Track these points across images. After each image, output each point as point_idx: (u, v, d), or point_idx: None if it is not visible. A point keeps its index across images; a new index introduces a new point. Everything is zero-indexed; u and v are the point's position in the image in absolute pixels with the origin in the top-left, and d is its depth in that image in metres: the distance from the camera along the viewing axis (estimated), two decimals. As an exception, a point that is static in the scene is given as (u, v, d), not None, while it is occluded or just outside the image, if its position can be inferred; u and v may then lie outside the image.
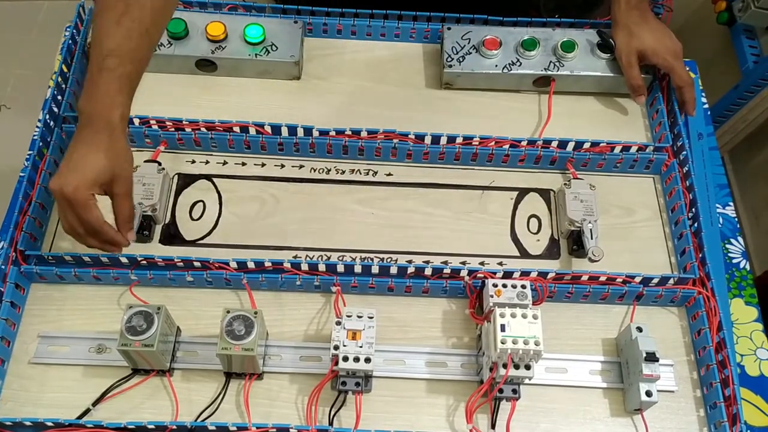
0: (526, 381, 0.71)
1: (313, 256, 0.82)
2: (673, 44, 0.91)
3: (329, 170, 0.89)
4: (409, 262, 0.82)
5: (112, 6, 0.70)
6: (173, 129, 0.87)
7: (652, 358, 0.70)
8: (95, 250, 0.79)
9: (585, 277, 0.78)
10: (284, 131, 0.87)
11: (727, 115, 1.46)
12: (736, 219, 0.93)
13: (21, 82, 1.93)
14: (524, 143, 0.88)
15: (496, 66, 0.94)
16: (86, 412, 0.72)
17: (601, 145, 0.88)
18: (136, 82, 0.72)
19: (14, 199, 0.81)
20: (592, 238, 0.80)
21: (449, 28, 0.95)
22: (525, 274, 0.77)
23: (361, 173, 0.89)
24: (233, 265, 0.77)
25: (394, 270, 0.78)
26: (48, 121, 0.85)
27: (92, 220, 0.69)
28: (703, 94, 1.03)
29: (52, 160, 0.83)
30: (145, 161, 0.84)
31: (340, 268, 0.78)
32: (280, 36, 0.94)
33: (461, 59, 0.94)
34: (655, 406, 0.72)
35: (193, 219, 0.85)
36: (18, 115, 1.86)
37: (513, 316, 0.69)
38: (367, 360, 0.69)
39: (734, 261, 0.89)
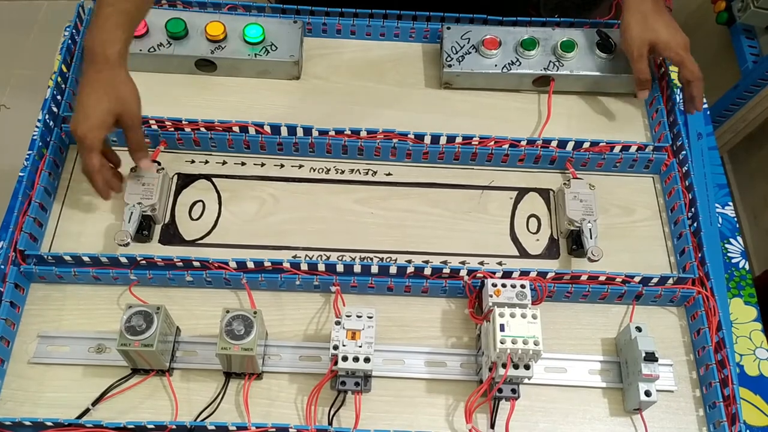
0: (526, 381, 0.71)
1: (313, 255, 0.82)
2: (683, 38, 0.88)
3: (329, 170, 0.89)
4: (409, 261, 0.82)
5: None
6: (173, 129, 0.87)
7: (651, 357, 0.70)
8: (94, 250, 0.79)
9: (584, 277, 0.78)
10: (284, 131, 0.87)
11: (727, 114, 1.46)
12: (736, 219, 0.93)
13: (20, 82, 1.93)
14: (524, 143, 0.88)
15: (496, 66, 0.94)
16: (86, 411, 0.72)
17: (601, 144, 0.88)
18: (137, 20, 0.77)
19: (14, 199, 0.81)
20: (591, 238, 0.80)
21: (449, 28, 0.95)
22: (524, 273, 0.77)
23: (360, 173, 0.89)
24: (232, 264, 0.77)
25: (393, 270, 0.78)
26: (48, 121, 0.85)
27: (88, 165, 0.75)
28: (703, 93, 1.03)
29: (52, 160, 0.83)
30: (145, 161, 0.84)
31: (340, 268, 0.78)
32: (279, 36, 0.94)
33: (461, 59, 0.94)
34: (654, 405, 0.72)
35: (192, 219, 0.85)
36: (17, 115, 1.86)
37: (512, 315, 0.69)
38: (367, 360, 0.69)
39: (733, 261, 0.89)
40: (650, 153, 0.89)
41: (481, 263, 0.83)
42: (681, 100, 1.02)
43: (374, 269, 0.78)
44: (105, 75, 0.74)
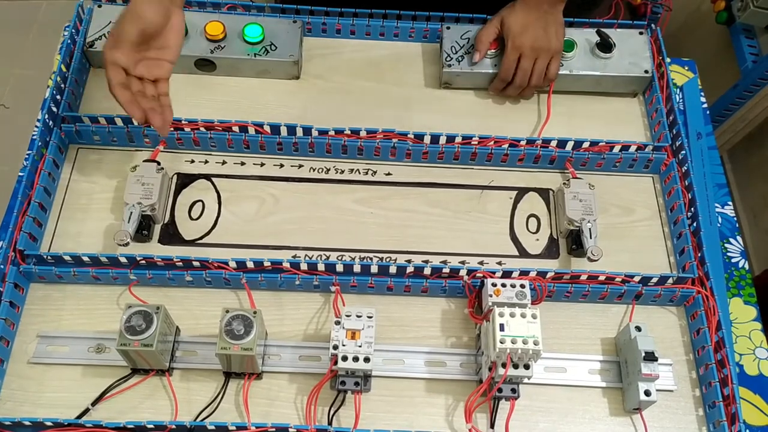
0: (525, 380, 0.71)
1: (312, 255, 0.82)
2: (523, 39, 0.88)
3: (328, 170, 0.89)
4: (408, 261, 0.82)
5: None
6: (172, 129, 0.87)
7: (650, 357, 0.70)
8: (94, 250, 0.79)
9: (584, 277, 0.78)
10: (283, 131, 0.87)
11: (726, 114, 1.46)
12: (735, 218, 0.93)
13: (20, 81, 1.93)
14: (523, 143, 0.88)
15: (495, 65, 0.93)
16: (85, 411, 0.72)
17: (600, 144, 0.88)
18: None
19: (13, 199, 0.81)
20: (591, 238, 0.80)
21: (448, 28, 0.95)
22: (524, 273, 0.77)
23: (360, 173, 0.89)
24: (232, 264, 0.77)
25: (393, 269, 0.78)
26: (47, 120, 0.85)
27: (107, 78, 0.74)
28: (702, 93, 1.03)
29: (52, 160, 0.83)
30: (144, 161, 0.84)
31: (339, 268, 0.78)
32: (279, 36, 0.94)
33: (460, 58, 0.94)
34: (654, 405, 0.72)
35: (192, 219, 0.85)
36: (17, 114, 1.86)
37: (512, 315, 0.69)
38: (366, 359, 0.69)
39: (733, 260, 0.89)
40: (650, 153, 0.89)
41: (481, 263, 0.83)
42: (681, 100, 1.02)
43: (374, 269, 0.78)
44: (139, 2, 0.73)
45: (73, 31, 0.92)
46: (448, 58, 0.94)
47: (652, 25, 0.97)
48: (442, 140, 0.87)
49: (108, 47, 0.74)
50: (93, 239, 0.82)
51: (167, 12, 0.75)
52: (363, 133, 0.87)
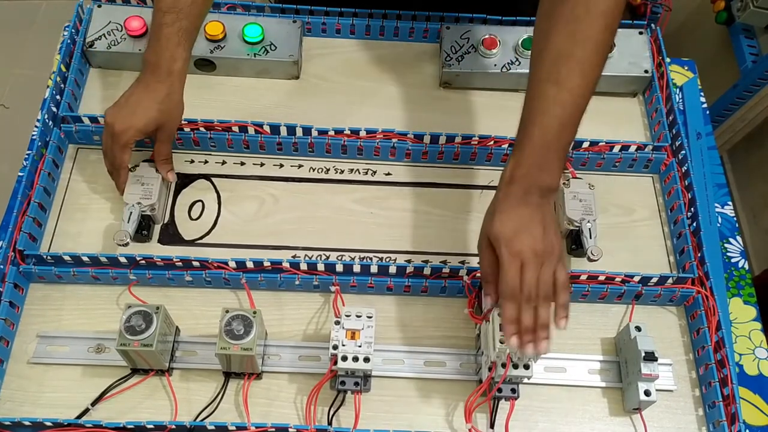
0: (525, 380, 0.71)
1: (312, 255, 0.82)
2: (531, 241, 0.64)
3: (328, 170, 0.89)
4: (408, 261, 0.82)
5: None
6: (172, 129, 0.87)
7: (650, 357, 0.70)
8: (94, 250, 0.79)
9: (584, 277, 0.78)
10: (283, 131, 0.87)
11: (726, 114, 1.46)
12: (735, 218, 0.93)
13: (20, 81, 1.92)
14: (523, 143, 0.88)
15: (495, 65, 0.94)
16: (85, 411, 0.72)
17: (600, 144, 0.88)
18: (194, 36, 0.79)
19: (13, 199, 0.81)
20: (590, 238, 0.80)
21: (448, 28, 0.95)
22: (524, 273, 0.77)
23: (359, 173, 0.89)
24: (232, 264, 0.77)
25: (393, 269, 0.78)
26: (47, 120, 0.85)
27: (118, 161, 0.78)
28: (702, 93, 1.03)
29: (51, 160, 0.83)
30: (144, 161, 0.84)
31: (339, 268, 0.78)
32: (278, 35, 0.94)
33: (460, 58, 0.94)
34: (653, 405, 0.72)
35: (191, 219, 0.85)
36: (17, 114, 1.86)
37: (512, 315, 0.68)
38: (366, 359, 0.69)
39: (733, 260, 0.89)
40: (649, 152, 0.89)
41: (481, 263, 0.83)
42: (680, 100, 1.02)
43: (374, 269, 0.78)
44: (164, 86, 0.77)
45: (73, 31, 0.92)
46: (448, 58, 0.94)
47: (652, 25, 0.97)
48: (442, 140, 0.87)
49: (129, 125, 0.76)
50: (93, 239, 0.82)
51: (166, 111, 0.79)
52: (363, 133, 0.87)
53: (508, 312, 0.64)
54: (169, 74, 0.77)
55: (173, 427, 0.69)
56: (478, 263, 0.69)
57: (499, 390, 0.71)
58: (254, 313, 0.69)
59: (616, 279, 0.78)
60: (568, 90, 0.66)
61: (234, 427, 0.68)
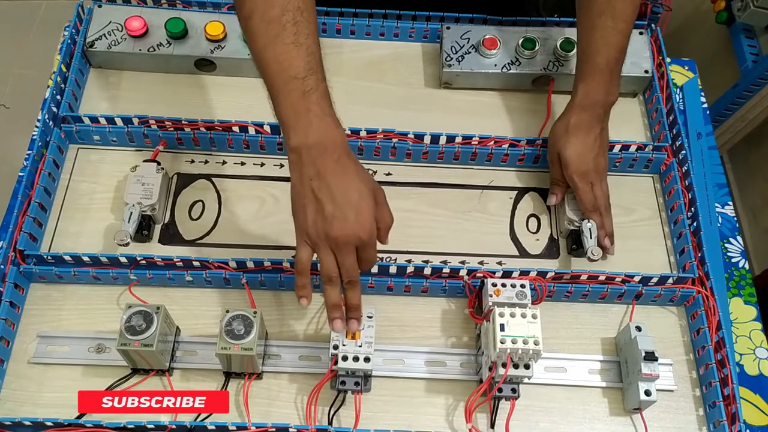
0: (526, 380, 0.71)
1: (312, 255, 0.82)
2: (587, 165, 0.80)
3: (328, 170, 0.89)
4: (408, 261, 0.82)
5: (275, 20, 0.64)
6: (172, 129, 0.87)
7: (651, 357, 0.70)
8: (94, 250, 0.79)
9: (584, 277, 0.78)
10: (283, 131, 0.86)
11: (726, 114, 1.46)
12: (735, 218, 0.93)
13: (20, 81, 1.92)
14: (523, 143, 0.88)
15: (495, 65, 0.94)
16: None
17: (600, 144, 0.88)
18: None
19: (13, 199, 0.81)
20: (591, 238, 0.80)
21: (448, 28, 0.95)
22: (524, 273, 0.77)
23: (360, 173, 0.89)
24: (232, 264, 0.77)
25: (393, 269, 0.78)
26: (47, 120, 0.85)
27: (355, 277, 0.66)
28: (702, 93, 1.03)
29: (51, 160, 0.83)
30: (144, 161, 0.84)
31: (340, 268, 0.78)
32: (279, 35, 0.94)
33: (460, 58, 0.94)
34: (654, 405, 0.72)
35: (192, 219, 0.85)
36: (17, 114, 1.86)
37: (512, 315, 0.69)
38: (367, 359, 0.69)
39: (733, 260, 0.89)
40: (650, 153, 0.89)
41: (481, 263, 0.83)
42: (681, 100, 1.02)
43: (374, 269, 0.78)
44: (355, 165, 0.64)
45: (74, 31, 0.92)
46: (448, 58, 0.94)
47: (652, 25, 0.98)
48: (442, 140, 0.87)
49: (366, 229, 0.63)
50: (93, 239, 0.82)
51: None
52: (363, 133, 0.87)
53: (603, 225, 0.82)
54: (348, 152, 0.65)
55: (173, 427, 0.69)
56: (552, 174, 0.85)
57: (500, 390, 0.71)
58: (255, 313, 0.69)
59: (617, 279, 0.78)
60: (623, 20, 0.79)
61: (234, 427, 0.68)
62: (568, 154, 0.81)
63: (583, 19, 0.82)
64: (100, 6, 0.94)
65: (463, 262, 0.83)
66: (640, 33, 0.96)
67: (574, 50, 0.93)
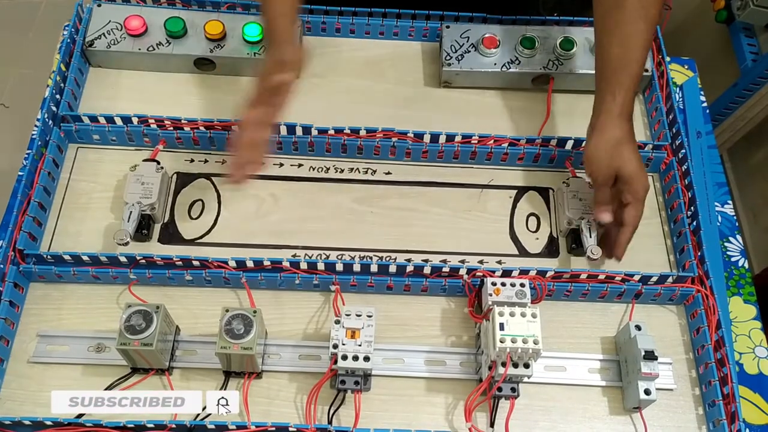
0: (525, 379, 0.71)
1: (312, 254, 0.82)
2: (646, 179, 0.78)
3: (328, 169, 0.89)
4: (408, 260, 0.82)
5: None
6: (172, 128, 0.87)
7: (650, 356, 0.70)
8: (94, 249, 0.79)
9: (584, 276, 0.78)
10: (283, 130, 0.87)
11: (726, 113, 1.46)
12: (735, 217, 0.93)
13: (19, 80, 1.92)
14: (523, 141, 0.88)
15: (495, 64, 0.93)
16: (85, 411, 0.72)
17: (600, 143, 0.88)
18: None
19: (13, 198, 0.81)
20: (590, 237, 0.80)
21: (448, 27, 0.95)
22: (524, 272, 0.77)
23: (359, 172, 0.89)
24: (232, 264, 0.77)
25: (393, 269, 0.78)
26: (47, 119, 0.85)
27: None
28: (702, 92, 1.03)
29: (51, 159, 0.83)
30: (144, 160, 0.84)
31: (339, 267, 0.78)
32: (278, 35, 0.94)
33: (460, 57, 0.94)
34: (653, 404, 0.72)
35: (191, 218, 0.85)
36: (17, 114, 1.86)
37: (512, 314, 0.69)
38: (366, 359, 0.69)
39: (733, 259, 0.89)
40: (649, 151, 0.89)
41: (481, 262, 0.83)
42: (680, 99, 1.02)
43: (374, 268, 0.78)
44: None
45: (73, 30, 0.92)
46: (448, 57, 0.94)
47: (652, 24, 0.97)
48: (442, 139, 0.87)
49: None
50: (93, 238, 0.82)
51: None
52: (362, 132, 0.87)
53: (629, 236, 0.79)
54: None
55: (173, 426, 0.69)
56: (601, 194, 0.79)
57: (499, 389, 0.71)
58: (254, 312, 0.69)
59: (616, 278, 0.78)
60: (652, 24, 0.79)
61: (234, 427, 0.68)
62: (631, 170, 0.76)
63: (613, 26, 0.79)
64: (99, 5, 0.94)
65: (462, 261, 0.83)
66: (640, 32, 0.96)
67: (574, 49, 0.93)
